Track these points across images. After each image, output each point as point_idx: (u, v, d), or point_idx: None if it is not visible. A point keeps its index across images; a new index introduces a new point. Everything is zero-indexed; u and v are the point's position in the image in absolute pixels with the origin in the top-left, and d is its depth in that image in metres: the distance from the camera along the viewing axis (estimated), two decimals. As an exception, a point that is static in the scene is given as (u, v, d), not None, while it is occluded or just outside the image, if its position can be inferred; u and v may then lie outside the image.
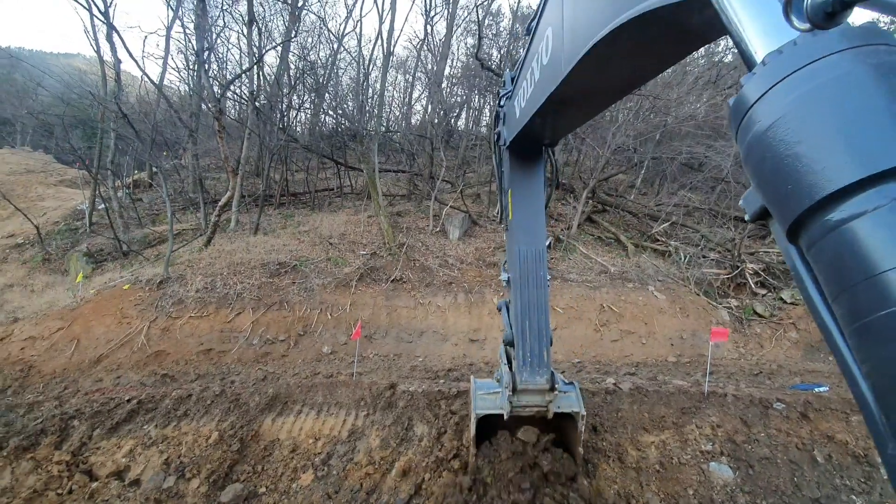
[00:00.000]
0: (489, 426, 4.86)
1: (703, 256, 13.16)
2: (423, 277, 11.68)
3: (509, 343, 4.48)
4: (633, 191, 18.99)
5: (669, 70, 17.93)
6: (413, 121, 27.23)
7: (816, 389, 7.47)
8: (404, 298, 10.89)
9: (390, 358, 9.51)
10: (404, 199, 17.82)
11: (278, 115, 17.17)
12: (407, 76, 28.22)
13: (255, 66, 13.47)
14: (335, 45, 21.30)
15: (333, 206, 17.45)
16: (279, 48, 17.22)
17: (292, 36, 15.56)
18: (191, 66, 18.51)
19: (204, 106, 15.94)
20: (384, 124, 22.45)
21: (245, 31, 14.46)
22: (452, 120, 25.11)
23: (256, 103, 13.91)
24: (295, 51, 19.41)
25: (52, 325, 9.93)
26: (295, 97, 20.21)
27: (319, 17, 20.75)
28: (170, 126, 18.93)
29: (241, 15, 17.86)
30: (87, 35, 21.23)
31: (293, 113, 20.16)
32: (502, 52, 20.09)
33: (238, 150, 14.43)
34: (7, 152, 26.30)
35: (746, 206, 1.06)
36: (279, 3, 19.87)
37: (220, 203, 11.54)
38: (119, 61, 14.04)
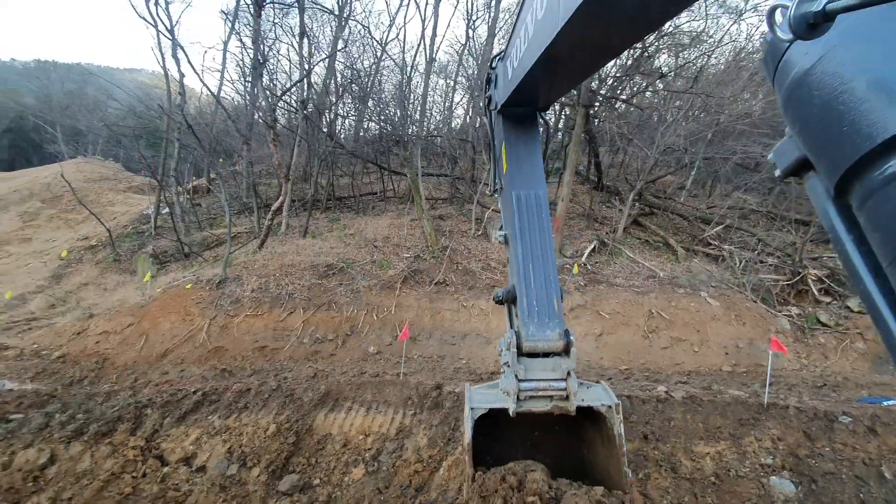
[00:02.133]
0: (491, 432, 3.65)
1: (761, 261, 12.50)
2: (465, 280, 11.77)
3: (509, 299, 3.71)
4: (682, 193, 18.30)
5: (723, 67, 17.18)
6: (454, 124, 27.50)
7: (885, 403, 6.95)
8: (448, 301, 11.01)
9: (434, 359, 9.65)
10: (446, 203, 18.01)
11: (326, 123, 17.83)
12: (448, 80, 28.53)
13: (304, 75, 14.07)
14: (379, 53, 21.86)
15: (377, 209, 17.89)
16: (324, 59, 17.90)
17: (341, 47, 16.13)
18: (246, 78, 19.59)
19: (257, 116, 16.80)
20: (426, 129, 22.77)
21: (295, 42, 15.22)
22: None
23: (306, 111, 14.51)
24: (341, 59, 20.10)
25: (124, 321, 10.76)
26: (341, 104, 20.92)
27: (364, 25, 21.41)
28: (225, 135, 20.05)
29: (290, 28, 18.75)
30: (154, 52, 22.83)
31: (339, 120, 20.85)
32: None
33: (288, 157, 15.12)
34: (81, 161, 28.71)
35: (778, 159, 0.95)
36: (326, 14, 20.64)
37: (273, 207, 12.13)
38: (182, 75, 15.07)
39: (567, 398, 3.28)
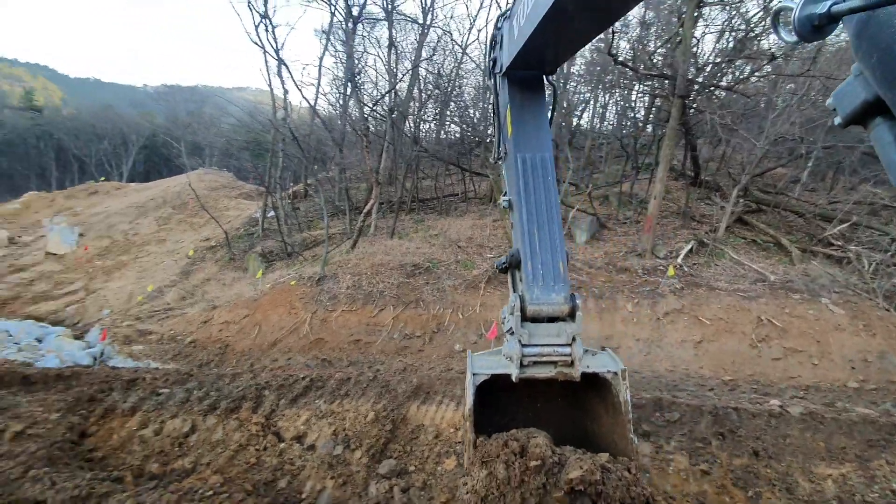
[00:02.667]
0: (491, 402, 3.46)
1: (895, 264, 10.82)
2: (550, 281, 11.62)
3: (513, 264, 3.53)
4: (797, 187, 16.37)
5: (845, 44, 15.08)
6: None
7: None
8: (532, 301, 10.97)
9: (519, 359, 9.67)
10: (528, 203, 17.86)
11: (412, 127, 18.59)
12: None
13: (394, 84, 14.82)
14: (459, 56, 22.26)
15: (459, 210, 18.25)
16: (410, 65, 18.66)
17: (426, 56, 16.74)
18: (339, 90, 21.07)
19: (349, 126, 17.98)
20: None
21: (381, 53, 16.10)
22: (575, 119, 24.40)
23: (393, 118, 15.27)
24: (424, 66, 20.80)
25: (241, 313, 12.15)
26: (420, 108, 21.66)
27: (446, 31, 21.92)
28: (320, 143, 21.71)
29: (376, 39, 19.80)
30: (262, 72, 25.41)
31: (422, 124, 21.60)
32: (632, 42, 18.93)
33: (377, 162, 16.01)
34: (202, 172, 32.71)
35: (839, 104, 0.87)
36: (410, 23, 21.48)
37: (364, 210, 12.94)
38: (286, 91, 16.63)
39: (572, 364, 3.17)
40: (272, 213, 19.39)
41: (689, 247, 12.22)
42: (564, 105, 20.84)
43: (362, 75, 18.37)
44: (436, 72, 21.00)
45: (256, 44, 14.25)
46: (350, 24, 12.31)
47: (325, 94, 36.74)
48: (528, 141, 3.60)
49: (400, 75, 14.76)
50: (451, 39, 21.55)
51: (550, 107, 3.85)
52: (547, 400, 3.78)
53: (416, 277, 11.99)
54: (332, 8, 17.61)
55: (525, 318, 3.18)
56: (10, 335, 12.00)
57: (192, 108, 55.13)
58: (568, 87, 22.94)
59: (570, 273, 11.72)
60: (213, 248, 19.07)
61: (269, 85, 17.86)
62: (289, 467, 5.96)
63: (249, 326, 11.47)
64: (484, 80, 19.96)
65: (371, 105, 13.41)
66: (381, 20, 15.38)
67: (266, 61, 17.01)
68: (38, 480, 4.49)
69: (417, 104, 18.55)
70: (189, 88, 71.74)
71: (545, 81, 3.79)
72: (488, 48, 4.02)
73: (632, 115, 21.91)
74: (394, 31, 16.66)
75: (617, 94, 22.46)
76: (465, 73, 23.21)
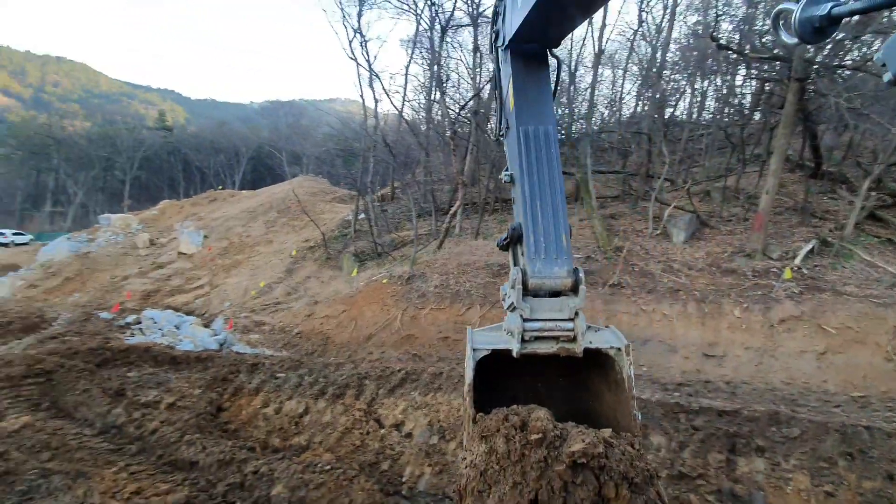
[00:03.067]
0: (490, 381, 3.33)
1: None
2: (643, 283, 11.08)
3: (514, 238, 3.42)
4: (949, 176, 13.83)
5: None
6: (623, 115, 25.80)
7: None
8: (624, 304, 10.55)
9: (611, 363, 9.38)
10: (617, 201, 17.11)
11: (495, 128, 18.72)
12: (615, 70, 26.91)
13: (478, 88, 15.07)
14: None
15: (543, 210, 17.99)
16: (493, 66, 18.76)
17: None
18: (426, 96, 21.85)
19: (434, 131, 18.57)
20: (595, 124, 21.99)
21: (464, 57, 16.47)
22: (670, 110, 22.82)
23: (477, 120, 15.52)
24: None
25: (339, 308, 13.15)
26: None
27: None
28: (407, 148, 22.71)
29: (459, 44, 20.23)
30: (355, 84, 27.14)
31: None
32: (738, 24, 17.28)
33: (461, 164, 16.37)
34: (301, 179, 35.76)
35: (890, 58, 0.83)
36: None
37: (451, 211, 13.32)
38: (377, 101, 17.65)
39: (574, 339, 3.02)
40: (363, 216, 20.65)
41: (810, 246, 10.91)
42: (657, 96, 19.64)
43: (447, 81, 18.90)
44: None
45: (351, 58, 15.37)
46: (437, 32, 12.75)
47: (409, 101, 38.26)
48: (530, 113, 3.47)
49: (483, 78, 14.99)
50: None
51: (554, 80, 3.70)
52: (548, 379, 3.67)
53: (502, 277, 12.09)
54: (418, 18, 18.36)
55: (526, 291, 3.07)
56: (155, 322, 14.17)
57: (292, 120, 60.32)
58: (663, 75, 21.57)
59: (667, 275, 11.10)
60: (311, 248, 20.78)
61: (361, 96, 19.10)
62: (389, 452, 6.40)
63: (347, 321, 12.39)
64: (559, 72, 19.49)
65: (457, 110, 13.77)
66: (465, 25, 15.71)
67: (358, 73, 18.23)
68: (192, 444, 5.34)
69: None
70: (288, 102, 78.58)
71: (549, 55, 3.68)
72: (491, 21, 3.96)
73: (736, 101, 19.98)
74: (478, 34, 16.92)
75: (718, 80, 20.62)
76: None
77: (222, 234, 24.83)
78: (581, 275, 3.09)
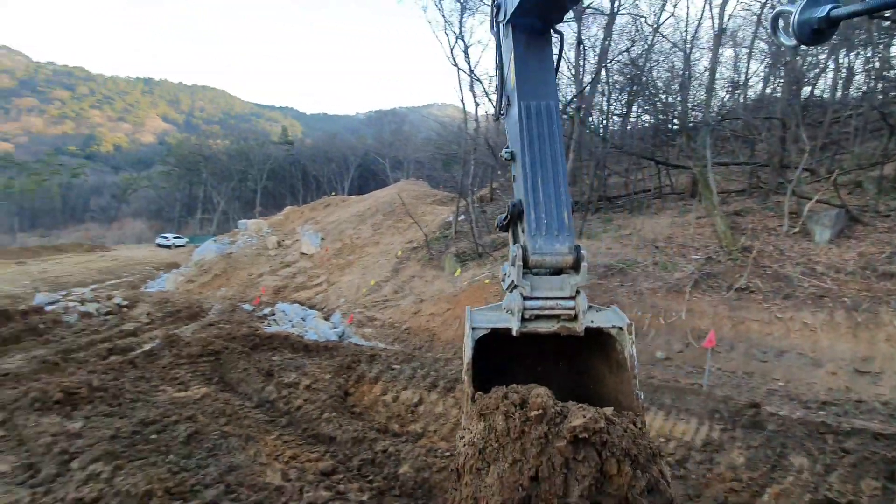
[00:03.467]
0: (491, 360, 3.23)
1: None
2: (778, 287, 9.89)
3: (515, 214, 3.28)
4: None
5: None
6: (748, 99, 23.03)
7: None
8: (754, 310, 9.53)
9: (738, 375, 8.56)
10: (742, 196, 15.41)
11: (599, 123, 18.02)
12: (738, 49, 24.11)
13: (584, 87, 14.64)
14: (650, 38, 20.46)
15: (653, 207, 16.89)
16: (595, 59, 18.04)
17: (624, 48, 16.02)
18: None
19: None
20: (713, 111, 20.03)
21: (564, 52, 15.99)
22: (808, 89, 19.90)
23: (580, 115, 15.08)
24: (613, 56, 19.85)
25: (443, 307, 13.73)
26: (608, 101, 20.66)
27: (634, 15, 20.35)
28: (503, 148, 22.78)
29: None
30: (456, 89, 28.05)
31: (609, 118, 20.68)
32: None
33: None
34: (404, 183, 37.77)
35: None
36: (594, 15, 20.74)
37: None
38: (477, 105, 18.03)
39: (575, 318, 2.93)
40: (463, 217, 21.21)
41: None
42: (792, 74, 17.25)
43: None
44: (623, 60, 19.82)
45: (454, 65, 15.93)
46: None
47: (506, 101, 38.26)
48: (532, 88, 3.38)
49: (587, 72, 14.51)
50: (643, 21, 19.97)
51: (557, 56, 3.62)
52: (548, 362, 3.59)
53: (608, 279, 11.66)
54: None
55: (527, 268, 2.99)
56: (286, 314, 16.09)
57: (394, 127, 63.93)
58: (798, 51, 18.91)
59: (808, 278, 9.83)
60: (415, 249, 21.89)
61: (462, 100, 19.64)
62: (500, 447, 6.61)
63: (451, 319, 12.88)
64: (644, 57, 18.00)
65: (562, 108, 13.51)
66: (568, 21, 15.35)
67: (459, 78, 18.79)
68: (330, 421, 6.07)
69: (605, 97, 17.84)
70: (391, 111, 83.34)
71: (551, 30, 3.59)
72: None
73: (892, 76, 16.75)
74: (581, 27, 16.41)
75: (869, 52, 17.49)
76: (657, 55, 21.27)
77: (336, 237, 27.23)
78: (583, 252, 3.03)
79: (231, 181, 63.35)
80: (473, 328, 2.95)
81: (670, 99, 19.46)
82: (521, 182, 3.27)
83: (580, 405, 2.73)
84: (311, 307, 17.98)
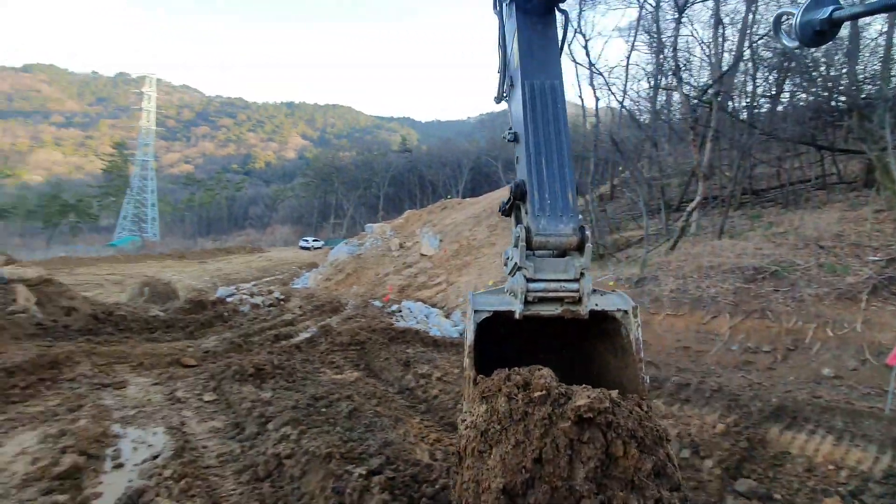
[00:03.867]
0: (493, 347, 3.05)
1: None
2: None
3: (518, 195, 3.10)
4: None
5: None
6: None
7: None
8: (962, 324, 7.74)
9: (940, 401, 7.03)
10: (945, 183, 12.47)
11: (739, 108, 16.06)
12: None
13: (720, 64, 13.22)
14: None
15: (815, 200, 14.52)
16: (736, 37, 16.04)
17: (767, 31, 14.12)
18: (649, 85, 20.34)
19: (667, 121, 17.11)
20: (892, 85, 16.57)
21: (696, 33, 14.49)
22: None
23: (720, 101, 13.62)
24: (756, 31, 17.50)
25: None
26: (754, 82, 18.19)
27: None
28: (636, 144, 21.49)
29: (689, 18, 17.94)
30: (573, 84, 27.32)
31: (755, 101, 18.23)
32: None
33: (701, 154, 14.60)
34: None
35: None
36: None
37: (689, 208, 12.14)
38: (597, 99, 17.38)
39: (579, 301, 2.83)
40: (581, 217, 20.54)
41: None
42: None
43: (687, 66, 17.05)
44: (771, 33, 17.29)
45: (573, 60, 15.55)
46: (665, 13, 11.78)
47: (629, 93, 36.02)
48: (536, 67, 3.30)
49: (727, 53, 13.01)
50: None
51: (562, 36, 3.54)
52: (552, 347, 3.52)
53: (759, 283, 10.39)
54: (642, 2, 17.23)
55: (530, 250, 2.90)
56: (411, 311, 17.31)
57: (506, 128, 64.15)
58: None
59: None
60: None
61: (580, 95, 19.05)
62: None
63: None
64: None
65: (697, 96, 12.37)
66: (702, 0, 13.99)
67: (577, 73, 18.24)
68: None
69: (751, 78, 15.80)
70: (502, 112, 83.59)
71: (556, 11, 3.51)
72: None
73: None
74: (719, 4, 14.80)
75: None
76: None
77: (453, 238, 28.34)
78: (587, 233, 2.94)
79: (358, 189, 69.72)
80: (476, 311, 2.94)
81: (833, 72, 16.49)
82: (525, 162, 3.24)
83: (584, 386, 2.67)
84: (433, 305, 19.03)
